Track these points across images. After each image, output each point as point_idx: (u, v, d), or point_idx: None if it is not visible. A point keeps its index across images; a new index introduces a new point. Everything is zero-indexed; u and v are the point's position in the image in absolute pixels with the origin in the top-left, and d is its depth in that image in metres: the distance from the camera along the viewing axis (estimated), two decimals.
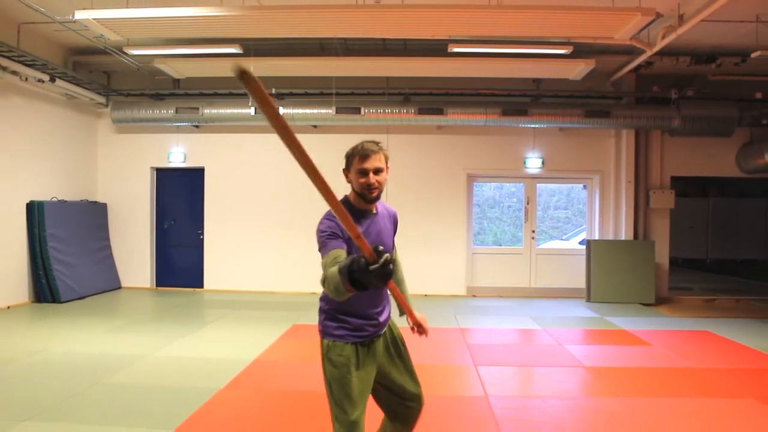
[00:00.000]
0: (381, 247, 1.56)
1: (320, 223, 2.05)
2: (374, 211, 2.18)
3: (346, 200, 2.15)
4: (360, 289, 1.64)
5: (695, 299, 8.73)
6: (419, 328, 2.33)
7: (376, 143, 2.13)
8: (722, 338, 5.99)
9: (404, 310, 2.27)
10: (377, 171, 2.08)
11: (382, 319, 2.22)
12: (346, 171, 2.15)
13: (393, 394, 2.27)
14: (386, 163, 2.14)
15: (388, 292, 2.24)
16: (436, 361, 4.89)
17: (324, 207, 1.68)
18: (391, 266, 1.55)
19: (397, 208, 2.61)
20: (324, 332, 2.16)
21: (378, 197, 2.13)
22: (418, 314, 2.32)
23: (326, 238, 1.98)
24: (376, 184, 2.08)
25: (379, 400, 2.32)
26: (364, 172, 2.07)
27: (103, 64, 8.48)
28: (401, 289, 2.38)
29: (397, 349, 2.30)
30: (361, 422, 2.12)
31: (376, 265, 1.53)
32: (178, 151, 9.09)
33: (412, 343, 2.43)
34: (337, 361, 2.11)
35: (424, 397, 2.34)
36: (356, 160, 2.08)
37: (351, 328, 2.13)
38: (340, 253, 1.91)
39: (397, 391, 2.27)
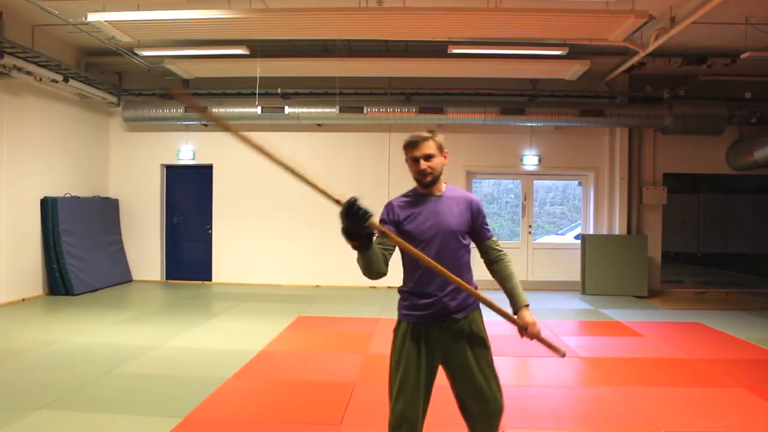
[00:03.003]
0: (350, 197, 1.77)
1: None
2: (437, 194, 2.24)
3: (414, 189, 2.28)
4: (354, 239, 1.84)
5: (686, 292, 8.88)
6: (524, 332, 2.16)
7: (430, 131, 2.22)
8: (713, 329, 6.09)
9: (495, 311, 2.11)
10: (428, 157, 2.16)
11: (449, 303, 2.16)
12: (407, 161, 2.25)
13: (463, 390, 2.19)
14: (438, 149, 2.19)
15: (472, 279, 2.26)
16: None
17: (325, 204, 1.91)
18: (356, 207, 1.74)
19: None
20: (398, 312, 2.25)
21: (432, 182, 2.20)
22: (526, 317, 2.14)
23: None
24: (429, 169, 2.17)
25: (457, 398, 2.25)
26: (415, 159, 2.19)
27: (114, 65, 8.62)
28: (509, 285, 2.25)
29: (472, 344, 2.18)
30: (410, 417, 2.02)
31: (341, 207, 1.76)
32: (187, 149, 9.24)
33: None
34: (394, 339, 2.17)
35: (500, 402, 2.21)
36: (408, 149, 2.21)
37: (411, 306, 2.17)
38: (383, 240, 2.07)
39: (467, 388, 2.17)
